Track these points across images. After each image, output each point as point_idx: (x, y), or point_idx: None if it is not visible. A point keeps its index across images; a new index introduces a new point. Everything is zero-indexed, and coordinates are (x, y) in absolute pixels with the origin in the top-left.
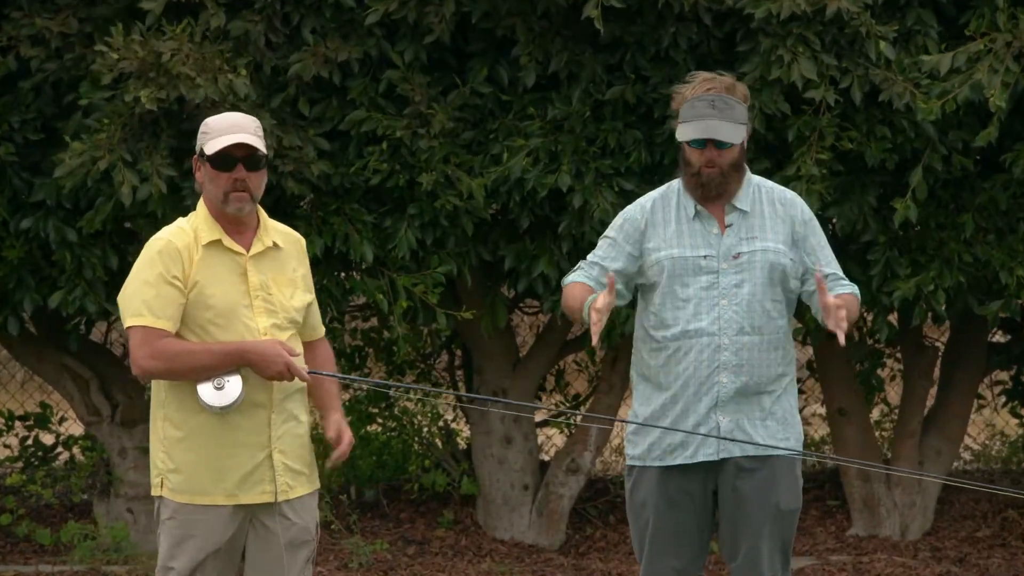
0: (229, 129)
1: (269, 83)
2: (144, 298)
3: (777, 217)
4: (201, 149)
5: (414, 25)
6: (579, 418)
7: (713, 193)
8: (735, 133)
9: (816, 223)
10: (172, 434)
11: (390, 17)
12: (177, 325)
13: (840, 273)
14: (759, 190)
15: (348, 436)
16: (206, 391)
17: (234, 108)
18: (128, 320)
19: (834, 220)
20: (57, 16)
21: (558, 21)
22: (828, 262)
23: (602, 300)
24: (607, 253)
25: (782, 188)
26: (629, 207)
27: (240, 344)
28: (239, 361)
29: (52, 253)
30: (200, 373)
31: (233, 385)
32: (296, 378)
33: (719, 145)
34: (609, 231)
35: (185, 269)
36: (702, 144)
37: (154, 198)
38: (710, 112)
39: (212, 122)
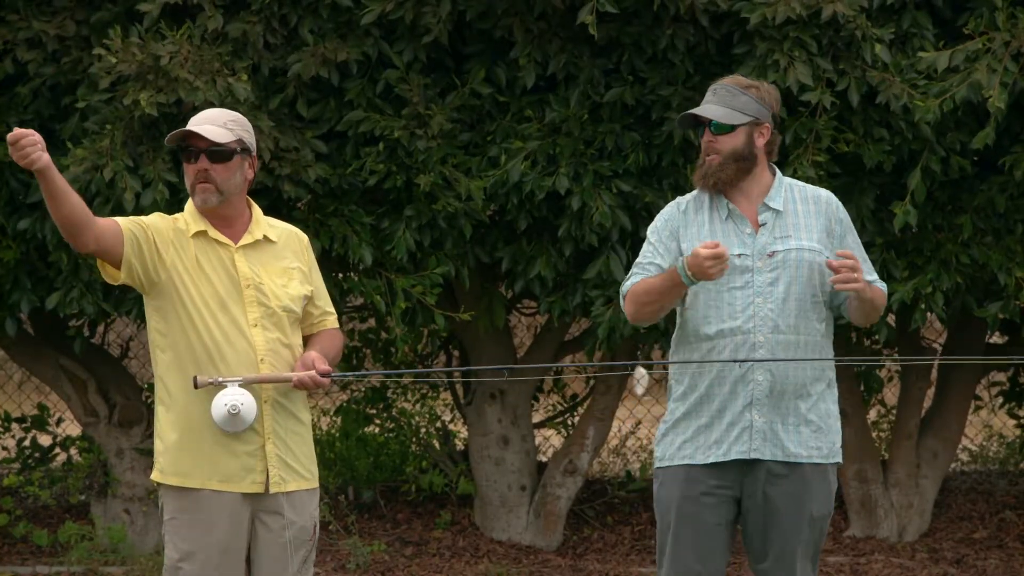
0: (197, 121)
1: (267, 84)
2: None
3: (811, 216)
4: None
5: (412, 25)
6: (595, 369)
7: (711, 182)
8: (728, 116)
9: (851, 224)
10: (163, 417)
11: (387, 17)
12: (123, 233)
13: (873, 274)
14: (791, 189)
15: (318, 363)
16: (220, 415)
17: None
18: None
19: None
20: (54, 19)
21: (555, 22)
22: (863, 261)
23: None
24: (656, 251)
25: (816, 188)
26: (664, 209)
27: None
28: None
29: (49, 254)
30: None
31: (247, 409)
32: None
33: (714, 130)
34: (651, 235)
35: (161, 234)
36: (702, 131)
37: (158, 203)
38: (709, 99)
39: (194, 116)
